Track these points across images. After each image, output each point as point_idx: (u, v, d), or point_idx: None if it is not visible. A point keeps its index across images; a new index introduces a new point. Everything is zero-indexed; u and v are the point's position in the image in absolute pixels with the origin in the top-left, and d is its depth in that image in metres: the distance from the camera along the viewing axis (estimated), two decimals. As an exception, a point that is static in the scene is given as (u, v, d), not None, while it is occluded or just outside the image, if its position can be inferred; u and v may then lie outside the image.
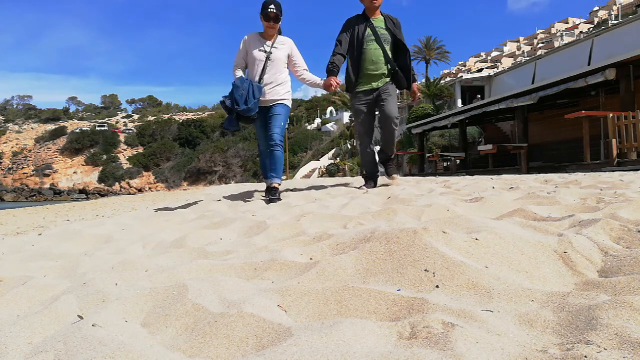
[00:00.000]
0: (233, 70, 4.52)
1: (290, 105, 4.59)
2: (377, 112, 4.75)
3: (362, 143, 4.80)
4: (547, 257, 1.38)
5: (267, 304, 1.16)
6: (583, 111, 10.47)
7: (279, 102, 4.47)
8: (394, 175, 4.94)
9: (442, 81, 28.68)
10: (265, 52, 4.42)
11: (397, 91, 4.80)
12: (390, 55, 4.59)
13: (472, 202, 2.88)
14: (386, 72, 4.60)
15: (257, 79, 4.38)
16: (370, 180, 4.77)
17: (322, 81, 4.50)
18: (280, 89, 4.49)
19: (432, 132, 21.58)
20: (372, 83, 4.60)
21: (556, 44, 35.03)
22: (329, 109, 67.15)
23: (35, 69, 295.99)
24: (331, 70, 4.48)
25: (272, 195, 4.28)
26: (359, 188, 4.56)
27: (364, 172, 4.85)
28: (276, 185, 4.38)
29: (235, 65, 4.53)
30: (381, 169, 5.00)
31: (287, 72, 4.56)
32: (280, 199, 4.20)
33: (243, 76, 4.40)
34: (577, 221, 1.85)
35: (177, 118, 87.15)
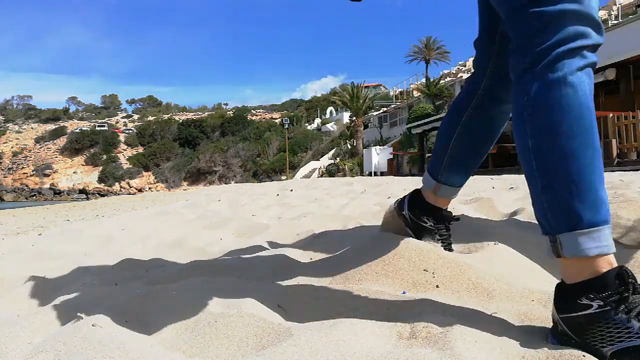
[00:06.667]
0: None
1: None
2: None
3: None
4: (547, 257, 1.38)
5: (267, 304, 1.16)
6: (583, 111, 10.46)
7: None
8: None
9: (442, 81, 28.68)
10: None
11: None
12: None
13: (472, 202, 2.88)
14: None
15: None
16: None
17: None
18: None
19: (432, 132, 21.57)
20: None
21: (556, 44, 34.90)
22: (329, 109, 67.07)
23: (36, 69, 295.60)
24: None
25: None
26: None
27: None
28: None
29: None
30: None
31: None
32: None
33: None
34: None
35: (177, 118, 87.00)
